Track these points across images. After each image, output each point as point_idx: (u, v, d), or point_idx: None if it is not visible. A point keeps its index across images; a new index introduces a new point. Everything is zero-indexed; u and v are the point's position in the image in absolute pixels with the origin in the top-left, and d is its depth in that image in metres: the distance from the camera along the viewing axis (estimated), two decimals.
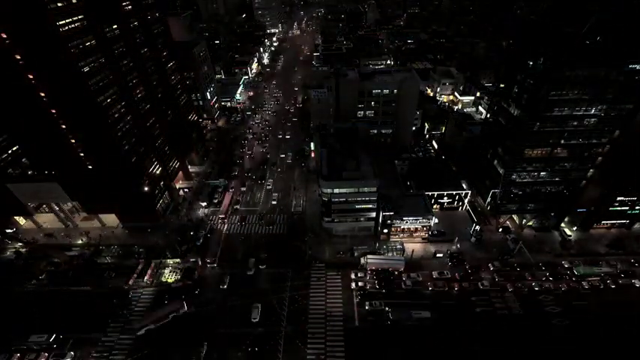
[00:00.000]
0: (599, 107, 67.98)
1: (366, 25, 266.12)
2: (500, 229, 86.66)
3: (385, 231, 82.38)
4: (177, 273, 76.59)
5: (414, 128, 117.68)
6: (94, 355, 62.61)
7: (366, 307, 68.82)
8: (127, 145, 76.68)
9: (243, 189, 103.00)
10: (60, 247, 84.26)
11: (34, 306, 70.42)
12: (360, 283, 73.92)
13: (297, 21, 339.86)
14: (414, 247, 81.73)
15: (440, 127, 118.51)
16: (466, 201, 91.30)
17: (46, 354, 62.30)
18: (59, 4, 59.59)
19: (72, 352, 62.71)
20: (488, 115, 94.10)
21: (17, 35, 58.48)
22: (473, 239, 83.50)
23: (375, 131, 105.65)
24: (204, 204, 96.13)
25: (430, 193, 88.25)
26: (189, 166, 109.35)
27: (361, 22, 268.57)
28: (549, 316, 67.30)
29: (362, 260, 76.40)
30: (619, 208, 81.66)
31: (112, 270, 77.68)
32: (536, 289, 72.32)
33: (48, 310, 69.76)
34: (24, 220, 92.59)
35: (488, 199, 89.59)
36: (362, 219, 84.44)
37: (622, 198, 79.57)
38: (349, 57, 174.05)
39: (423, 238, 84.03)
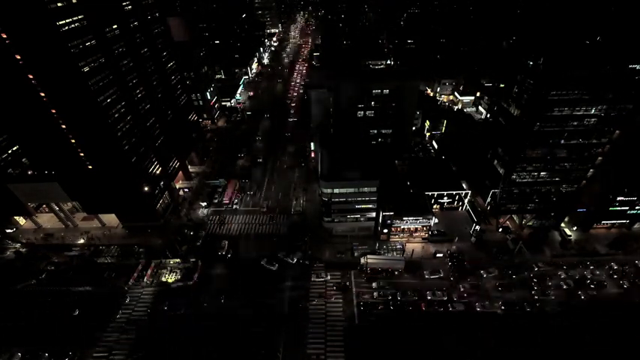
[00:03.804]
0: (599, 107, 67.94)
1: (366, 25, 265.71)
2: (500, 229, 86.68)
3: (385, 231, 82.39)
4: (177, 273, 76.63)
5: (414, 128, 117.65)
6: (95, 355, 62.54)
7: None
8: (127, 145, 76.60)
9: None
10: (60, 247, 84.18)
11: (34, 306, 70.38)
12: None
13: (298, 21, 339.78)
14: (414, 247, 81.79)
15: (440, 127, 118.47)
16: (466, 201, 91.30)
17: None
18: (59, 4, 59.44)
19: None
20: (489, 115, 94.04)
21: (17, 35, 58.38)
22: (473, 239, 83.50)
23: (375, 131, 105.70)
24: (204, 204, 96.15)
25: (430, 193, 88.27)
26: (189, 166, 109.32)
27: (361, 22, 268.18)
28: (549, 316, 67.25)
29: (362, 260, 76.33)
30: (619, 208, 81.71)
31: (112, 270, 77.67)
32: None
33: (48, 309, 69.74)
34: (24, 220, 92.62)
35: (488, 199, 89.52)
36: (362, 219, 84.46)
37: (622, 198, 79.60)
38: (349, 57, 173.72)
39: (423, 238, 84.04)
